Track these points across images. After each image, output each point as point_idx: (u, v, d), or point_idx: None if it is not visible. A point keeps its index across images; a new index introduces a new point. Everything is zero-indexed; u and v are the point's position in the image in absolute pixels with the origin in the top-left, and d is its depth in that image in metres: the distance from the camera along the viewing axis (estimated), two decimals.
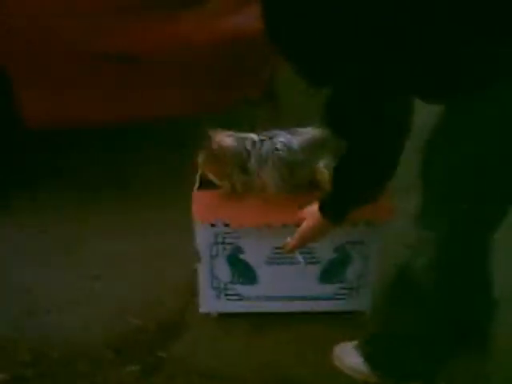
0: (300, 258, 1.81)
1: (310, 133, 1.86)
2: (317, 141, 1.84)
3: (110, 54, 2.10)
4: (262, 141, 1.83)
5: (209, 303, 2.00)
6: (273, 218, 1.79)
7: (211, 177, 1.85)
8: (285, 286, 1.96)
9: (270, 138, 1.84)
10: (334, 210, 1.63)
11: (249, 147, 1.82)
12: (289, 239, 1.74)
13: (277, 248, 1.86)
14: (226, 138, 1.82)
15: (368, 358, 1.88)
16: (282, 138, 1.83)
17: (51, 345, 1.97)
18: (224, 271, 1.92)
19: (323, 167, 1.80)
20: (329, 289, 1.98)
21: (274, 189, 1.82)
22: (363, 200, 1.61)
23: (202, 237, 1.86)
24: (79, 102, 2.24)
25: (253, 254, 1.89)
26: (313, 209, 1.66)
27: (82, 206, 2.57)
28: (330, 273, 1.94)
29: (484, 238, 1.66)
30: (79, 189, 2.66)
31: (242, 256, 1.89)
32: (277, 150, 1.82)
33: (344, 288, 1.98)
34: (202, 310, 2.02)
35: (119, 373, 1.89)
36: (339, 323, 2.03)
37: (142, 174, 2.75)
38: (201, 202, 1.83)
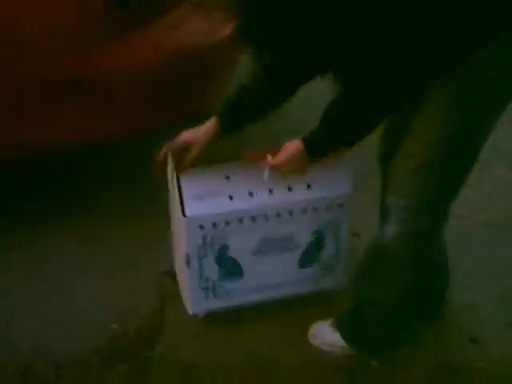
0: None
1: None
2: None
3: (57, 81, 2.11)
4: None
5: (198, 304, 2.06)
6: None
7: None
8: (268, 275, 2.05)
9: None
10: (318, 149, 1.72)
11: None
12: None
13: (262, 239, 1.98)
14: None
15: (342, 331, 1.99)
16: None
17: (39, 357, 2.00)
18: (212, 270, 1.99)
19: None
20: (307, 272, 2.09)
21: None
22: (347, 144, 1.70)
23: (191, 240, 1.92)
24: (28, 129, 2.23)
25: (239, 249, 1.97)
26: (292, 144, 1.74)
27: (40, 224, 2.54)
28: (308, 257, 2.06)
29: (448, 207, 1.78)
30: (37, 207, 2.61)
31: (229, 253, 1.97)
32: None
33: (320, 269, 2.11)
34: (192, 311, 2.08)
35: (108, 375, 1.96)
36: (316, 305, 2.14)
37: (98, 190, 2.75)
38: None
